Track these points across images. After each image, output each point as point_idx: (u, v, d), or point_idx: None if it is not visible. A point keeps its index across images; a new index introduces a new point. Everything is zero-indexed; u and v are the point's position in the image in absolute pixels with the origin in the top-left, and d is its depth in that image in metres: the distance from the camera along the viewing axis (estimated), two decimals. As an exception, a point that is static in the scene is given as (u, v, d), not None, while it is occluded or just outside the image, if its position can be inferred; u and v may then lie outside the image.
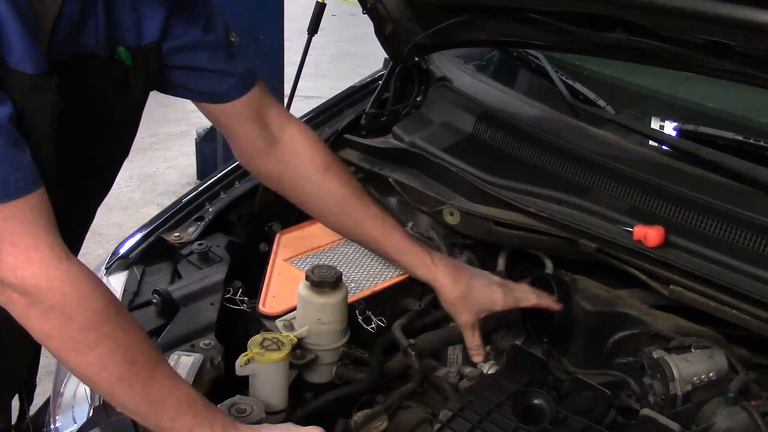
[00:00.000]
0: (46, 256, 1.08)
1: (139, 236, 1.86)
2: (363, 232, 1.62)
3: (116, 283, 1.76)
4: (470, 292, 1.57)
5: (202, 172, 5.11)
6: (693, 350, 1.49)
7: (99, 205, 1.47)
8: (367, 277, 1.72)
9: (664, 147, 1.78)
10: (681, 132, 1.79)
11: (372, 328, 1.58)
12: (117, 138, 1.40)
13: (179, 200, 1.97)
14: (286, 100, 1.99)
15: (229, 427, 1.21)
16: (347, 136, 2.12)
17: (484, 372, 1.61)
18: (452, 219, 1.83)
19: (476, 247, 1.87)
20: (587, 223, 1.61)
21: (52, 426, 1.63)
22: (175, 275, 1.77)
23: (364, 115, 2.17)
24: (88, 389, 1.57)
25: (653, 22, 1.46)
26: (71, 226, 1.27)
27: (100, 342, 1.11)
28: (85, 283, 1.11)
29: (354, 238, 1.70)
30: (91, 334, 1.10)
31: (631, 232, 1.53)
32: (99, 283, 1.14)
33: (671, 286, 1.50)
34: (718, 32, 1.36)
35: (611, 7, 1.50)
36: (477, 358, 1.60)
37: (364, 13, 1.96)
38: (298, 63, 1.88)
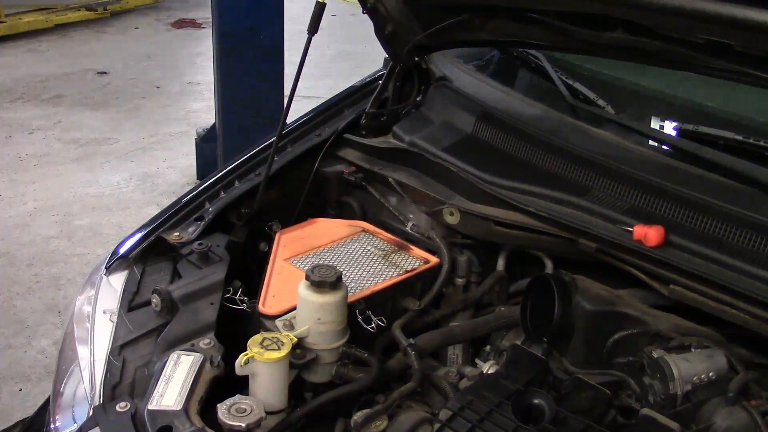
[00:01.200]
0: None
1: (139, 236, 1.86)
2: None
3: (116, 282, 1.77)
4: None
5: (202, 172, 5.10)
6: (693, 350, 1.49)
7: None
8: (367, 277, 1.72)
9: (664, 147, 1.78)
10: (681, 132, 1.79)
11: (372, 328, 1.58)
12: None
13: (179, 200, 1.97)
14: (286, 100, 1.99)
15: None
16: (347, 135, 2.13)
17: (484, 372, 1.61)
18: (452, 219, 1.83)
19: (476, 247, 1.87)
20: (587, 223, 1.61)
21: (52, 426, 1.63)
22: (175, 275, 1.77)
23: (364, 115, 2.18)
24: (88, 389, 1.57)
25: (653, 22, 1.46)
26: None
27: None
28: None
29: None
30: None
31: (631, 232, 1.53)
32: None
33: (671, 286, 1.50)
34: (718, 32, 1.36)
35: (612, 6, 1.50)
36: None
37: (364, 13, 1.96)
38: (298, 63, 1.88)
